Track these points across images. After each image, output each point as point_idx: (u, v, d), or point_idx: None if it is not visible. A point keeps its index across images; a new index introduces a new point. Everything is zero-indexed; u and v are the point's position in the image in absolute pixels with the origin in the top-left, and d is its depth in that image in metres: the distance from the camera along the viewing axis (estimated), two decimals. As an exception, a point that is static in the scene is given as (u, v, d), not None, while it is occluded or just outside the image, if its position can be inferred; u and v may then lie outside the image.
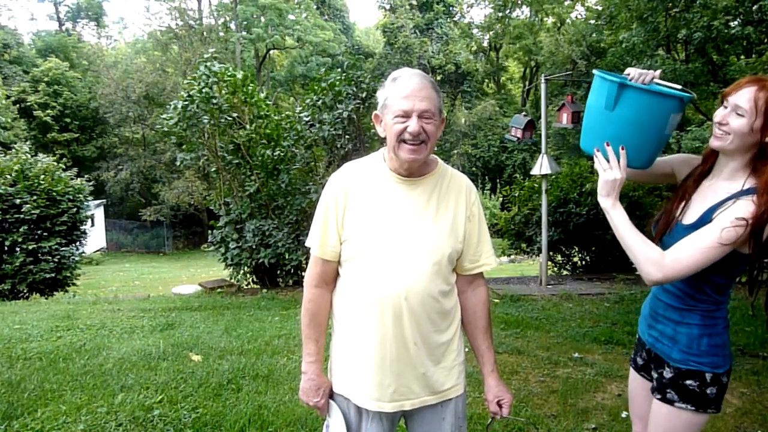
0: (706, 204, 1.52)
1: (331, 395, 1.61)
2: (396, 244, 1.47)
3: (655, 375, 1.64)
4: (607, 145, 1.51)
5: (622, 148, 1.50)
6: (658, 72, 1.55)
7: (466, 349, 1.67)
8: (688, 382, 1.54)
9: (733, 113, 1.46)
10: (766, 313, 1.60)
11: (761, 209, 1.39)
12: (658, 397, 1.59)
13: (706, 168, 1.60)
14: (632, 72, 1.54)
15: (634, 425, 1.86)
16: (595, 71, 1.58)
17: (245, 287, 7.81)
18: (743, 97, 1.44)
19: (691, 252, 1.42)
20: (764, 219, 1.39)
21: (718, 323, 1.55)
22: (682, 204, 1.59)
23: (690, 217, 1.55)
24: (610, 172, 1.53)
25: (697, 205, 1.55)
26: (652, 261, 1.44)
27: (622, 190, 1.59)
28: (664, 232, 1.61)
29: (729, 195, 1.47)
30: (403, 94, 1.43)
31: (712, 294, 1.53)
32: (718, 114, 1.50)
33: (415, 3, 28.91)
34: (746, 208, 1.41)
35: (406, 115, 1.42)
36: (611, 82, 1.48)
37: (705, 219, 1.49)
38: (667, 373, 1.58)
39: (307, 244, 1.58)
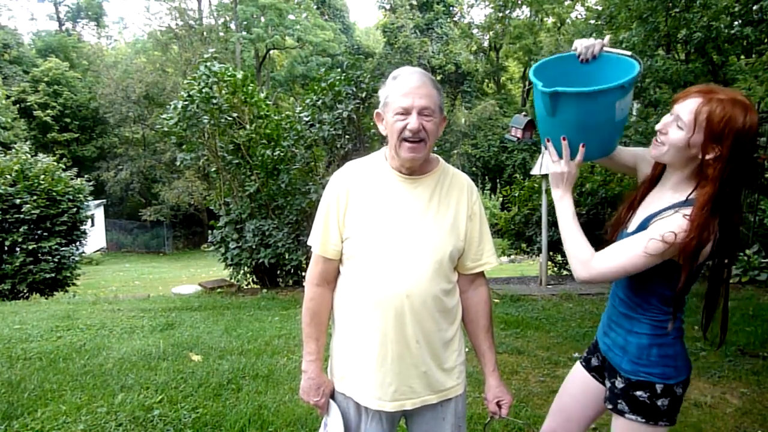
0: (648, 212, 1.48)
1: (332, 394, 1.61)
2: (397, 243, 1.47)
3: (608, 384, 1.60)
4: (564, 139, 1.48)
5: (583, 146, 1.47)
6: (607, 39, 1.50)
7: (466, 349, 1.67)
8: (638, 393, 1.49)
9: (674, 124, 1.40)
10: (704, 330, 1.51)
11: (690, 234, 1.32)
12: (610, 407, 1.57)
13: (655, 175, 1.55)
14: (578, 47, 1.51)
15: (548, 418, 1.81)
16: (531, 74, 1.52)
17: (245, 287, 7.81)
18: (686, 108, 1.37)
19: (618, 258, 1.40)
20: (692, 245, 1.33)
21: (668, 333, 1.49)
22: (630, 212, 1.57)
23: (633, 224, 1.52)
24: (558, 165, 1.52)
25: (641, 213, 1.51)
26: (581, 260, 1.44)
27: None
28: (612, 239, 1.58)
29: (670, 204, 1.42)
30: (403, 91, 1.44)
31: (659, 305, 1.49)
32: (662, 120, 1.44)
33: (415, 3, 28.90)
34: (679, 223, 1.35)
35: (406, 112, 1.43)
36: (543, 93, 1.42)
37: (642, 226, 1.45)
38: (619, 383, 1.54)
39: (309, 242, 1.58)
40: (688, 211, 1.36)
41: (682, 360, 1.51)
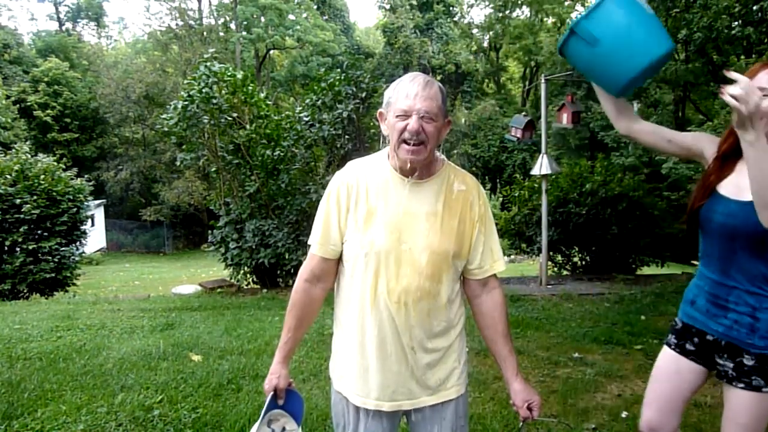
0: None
1: (287, 395, 1.60)
2: (397, 245, 1.45)
3: (730, 364, 1.66)
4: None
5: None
6: None
7: (467, 350, 1.66)
8: None
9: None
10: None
11: None
12: (741, 386, 1.62)
13: (724, 150, 1.65)
14: None
15: (646, 409, 1.82)
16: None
17: (245, 287, 7.81)
18: (763, 78, 1.53)
19: None
20: None
21: None
22: (708, 185, 1.66)
23: (741, 189, 1.58)
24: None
25: (740, 179, 1.59)
26: None
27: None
28: (699, 206, 1.66)
29: None
30: (406, 93, 1.43)
31: None
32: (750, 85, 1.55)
33: (415, 3, 28.91)
34: None
35: (407, 114, 1.42)
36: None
37: None
38: (749, 361, 1.61)
39: (309, 241, 1.57)
40: None
41: None
